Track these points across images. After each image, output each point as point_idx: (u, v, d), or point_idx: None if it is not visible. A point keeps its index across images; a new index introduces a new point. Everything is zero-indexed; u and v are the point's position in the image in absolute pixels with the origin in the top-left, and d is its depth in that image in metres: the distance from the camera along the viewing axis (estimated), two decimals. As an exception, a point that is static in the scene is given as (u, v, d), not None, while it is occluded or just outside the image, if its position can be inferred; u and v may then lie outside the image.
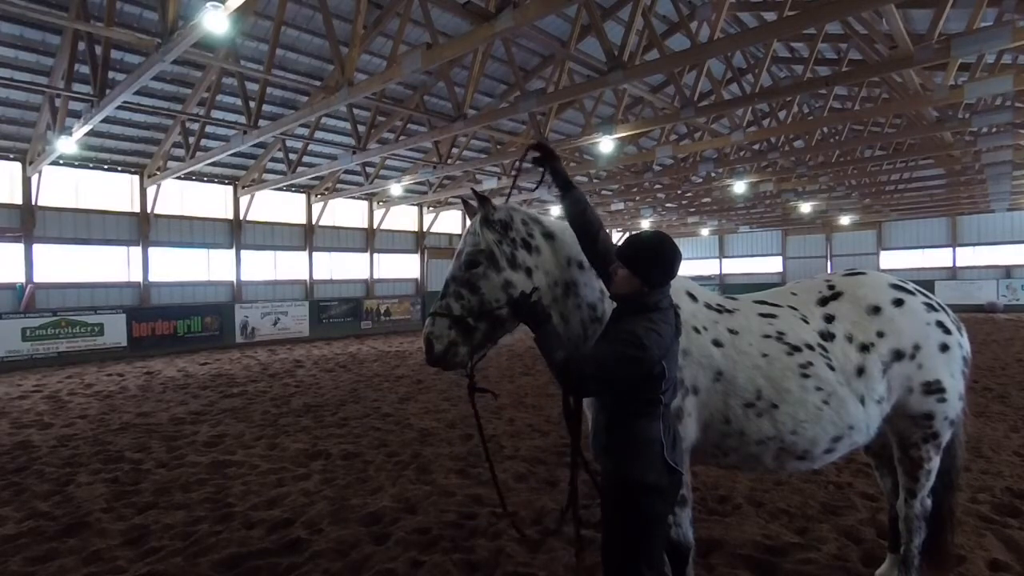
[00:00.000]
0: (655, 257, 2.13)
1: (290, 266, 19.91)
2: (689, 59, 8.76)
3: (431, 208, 23.86)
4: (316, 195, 19.98)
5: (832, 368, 2.57)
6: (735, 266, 35.28)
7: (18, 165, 13.95)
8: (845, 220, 28.63)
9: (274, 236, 19.40)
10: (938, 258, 28.40)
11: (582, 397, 2.32)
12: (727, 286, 33.73)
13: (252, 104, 11.09)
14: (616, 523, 2.19)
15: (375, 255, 22.27)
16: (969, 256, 27.71)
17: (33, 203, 14.09)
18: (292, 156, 15.91)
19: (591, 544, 3.69)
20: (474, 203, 2.52)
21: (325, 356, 13.95)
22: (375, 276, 22.23)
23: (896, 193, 21.77)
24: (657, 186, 20.51)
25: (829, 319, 2.72)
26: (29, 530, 4.04)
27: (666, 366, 2.06)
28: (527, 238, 2.49)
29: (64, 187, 14.84)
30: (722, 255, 35.72)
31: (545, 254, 2.49)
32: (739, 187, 18.23)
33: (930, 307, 2.81)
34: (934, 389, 2.69)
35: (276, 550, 3.73)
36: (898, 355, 2.65)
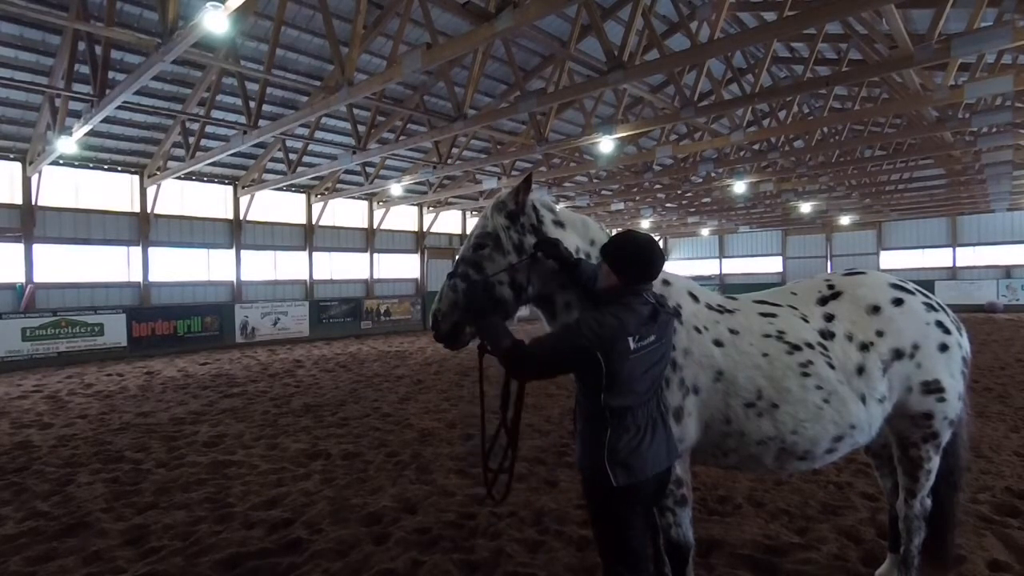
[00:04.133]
0: (629, 255, 2.19)
1: (290, 266, 19.90)
2: (689, 59, 8.75)
3: (431, 208, 23.86)
4: (316, 195, 19.98)
5: (832, 367, 2.57)
6: (735, 266, 35.27)
7: (18, 165, 13.94)
8: (845, 220, 28.63)
9: (274, 236, 19.39)
10: (938, 258, 28.39)
11: (522, 379, 2.33)
12: (727, 286, 33.74)
13: (252, 104, 11.08)
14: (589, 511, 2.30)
15: (375, 255, 22.27)
16: (969, 256, 27.71)
17: (33, 203, 14.08)
18: (292, 156, 15.91)
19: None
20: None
21: (325, 356, 13.95)
22: (375, 276, 22.22)
23: (896, 193, 21.77)
24: (657, 186, 20.50)
25: (829, 318, 2.71)
26: (29, 530, 4.04)
27: (602, 359, 2.03)
28: (536, 224, 2.53)
29: (64, 187, 14.83)
30: (722, 255, 35.71)
31: None
32: (739, 187, 18.23)
33: (930, 307, 2.81)
34: (933, 389, 2.69)
35: (276, 550, 3.73)
36: (898, 354, 2.65)
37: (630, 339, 2.08)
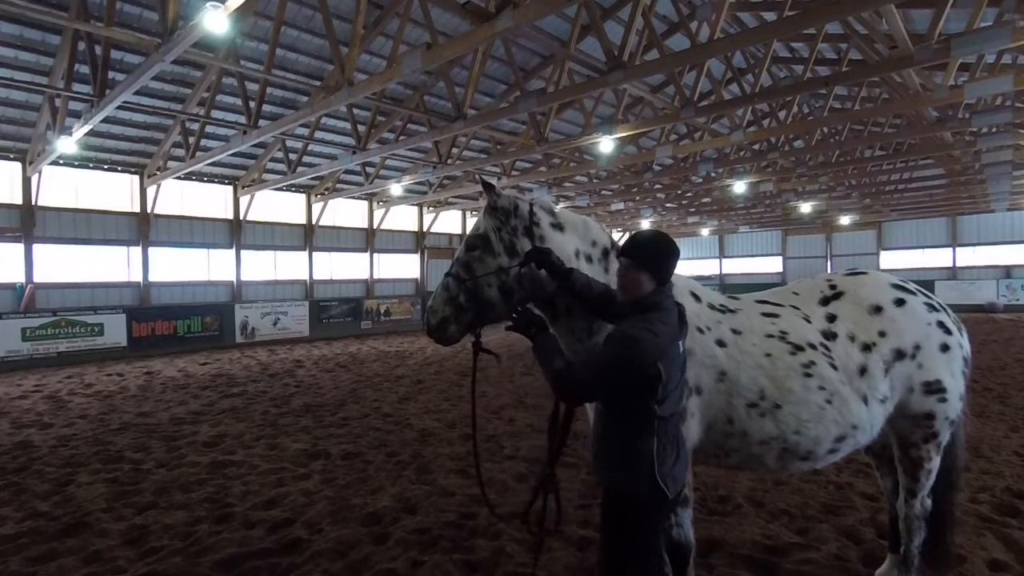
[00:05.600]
0: (667, 252, 2.12)
1: (290, 266, 19.91)
2: (689, 59, 8.76)
3: (431, 208, 23.86)
4: (316, 195, 19.99)
5: (835, 367, 2.57)
6: (735, 266, 35.28)
7: (18, 165, 13.94)
8: (845, 220, 28.64)
9: (274, 236, 19.40)
10: (938, 258, 28.39)
11: (576, 404, 2.23)
12: (727, 286, 33.74)
13: (252, 104, 11.08)
14: (609, 533, 2.16)
15: (375, 255, 22.27)
16: (969, 256, 27.70)
17: (33, 203, 14.08)
18: (292, 156, 15.91)
19: (590, 546, 3.70)
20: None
21: (325, 356, 13.94)
22: (375, 276, 22.23)
23: (896, 193, 21.78)
24: (657, 186, 20.51)
25: (831, 319, 2.71)
26: (29, 530, 4.04)
27: (662, 368, 1.97)
28: (531, 226, 2.49)
29: (64, 187, 14.83)
30: (722, 255, 35.71)
31: (552, 244, 2.48)
32: (739, 187, 18.23)
33: (931, 307, 2.81)
34: (935, 389, 2.69)
35: (276, 550, 3.73)
36: (900, 355, 2.65)
37: (679, 344, 2.05)
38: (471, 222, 26.09)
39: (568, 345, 2.53)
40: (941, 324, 2.77)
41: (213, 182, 17.76)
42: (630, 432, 2.07)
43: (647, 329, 1.97)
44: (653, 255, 2.11)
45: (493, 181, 16.35)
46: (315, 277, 20.39)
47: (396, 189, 18.40)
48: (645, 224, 30.10)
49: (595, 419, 2.28)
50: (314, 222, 20.22)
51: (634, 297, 2.11)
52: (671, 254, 2.12)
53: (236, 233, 18.23)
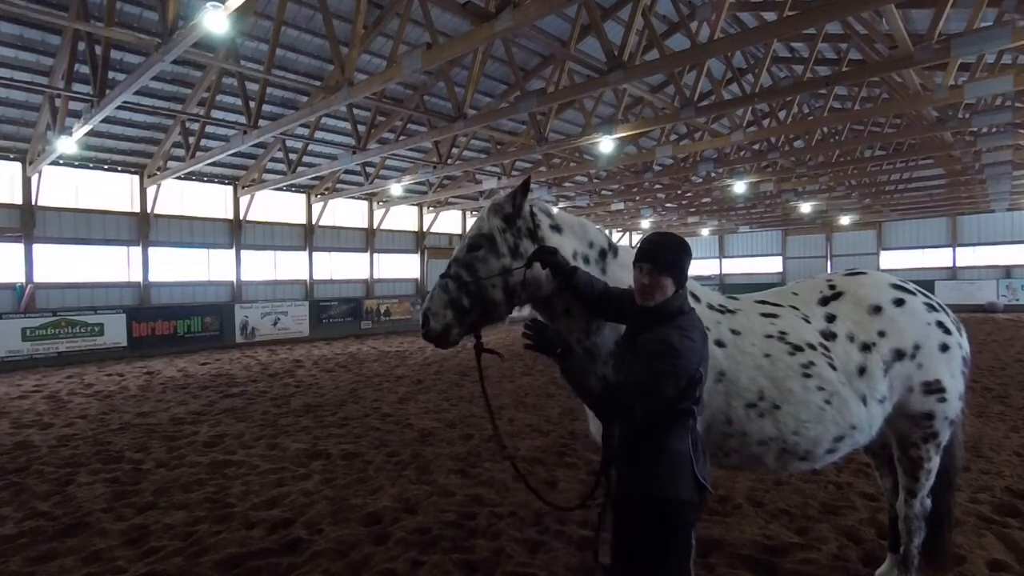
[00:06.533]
0: (686, 254, 2.07)
1: (290, 266, 19.91)
2: (689, 59, 8.76)
3: (431, 208, 23.86)
4: (316, 195, 19.99)
5: (834, 368, 2.57)
6: (735, 266, 35.30)
7: (18, 165, 13.94)
8: (845, 220, 28.64)
9: (274, 236, 19.40)
10: (938, 258, 28.40)
11: (616, 421, 2.12)
12: (727, 286, 33.76)
13: (252, 104, 11.08)
14: (644, 542, 2.04)
15: (375, 255, 22.27)
16: (969, 256, 27.71)
17: (33, 203, 14.07)
18: (292, 156, 15.91)
19: (590, 546, 3.70)
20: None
21: (325, 356, 13.95)
22: (375, 276, 22.22)
23: (896, 193, 21.78)
24: (657, 186, 20.51)
25: (830, 319, 2.71)
26: (29, 530, 4.04)
27: (703, 373, 1.99)
28: (533, 228, 2.47)
29: (64, 187, 14.82)
30: (722, 255, 35.74)
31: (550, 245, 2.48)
32: (739, 187, 18.23)
33: (930, 307, 2.81)
34: (934, 389, 2.69)
35: (276, 550, 3.73)
36: (899, 355, 2.66)
37: (706, 343, 2.05)
38: (471, 222, 26.05)
39: None
40: (940, 324, 2.77)
41: (213, 182, 17.76)
42: (667, 434, 2.02)
43: (686, 337, 1.95)
44: (676, 259, 2.05)
45: (486, 186, 16.15)
46: (315, 277, 20.38)
47: (396, 189, 18.41)
48: (645, 224, 30.08)
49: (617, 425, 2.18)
50: (314, 222, 20.22)
51: (655, 302, 2.05)
52: (689, 256, 2.09)
53: (236, 233, 18.23)
